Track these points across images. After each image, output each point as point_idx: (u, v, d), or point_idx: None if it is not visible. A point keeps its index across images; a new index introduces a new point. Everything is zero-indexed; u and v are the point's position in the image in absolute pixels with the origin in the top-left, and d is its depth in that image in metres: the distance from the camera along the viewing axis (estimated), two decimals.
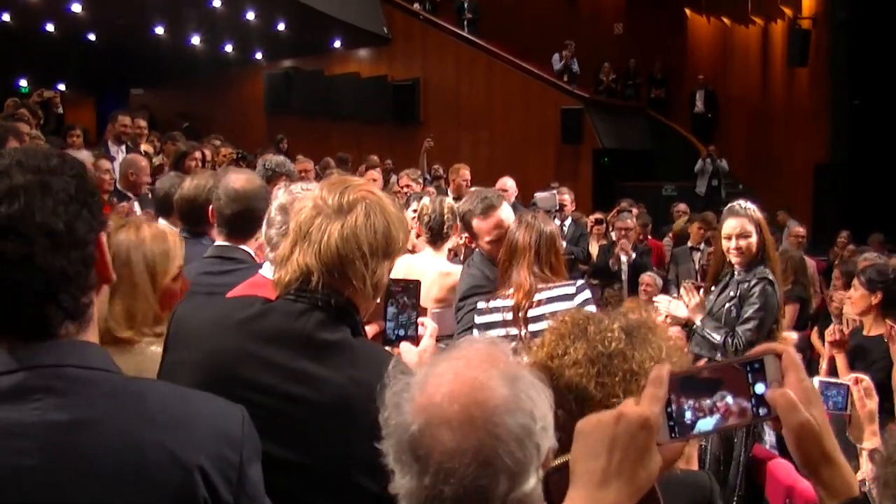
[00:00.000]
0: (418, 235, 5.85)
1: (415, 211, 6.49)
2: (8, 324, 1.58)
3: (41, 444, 1.50)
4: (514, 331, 4.17)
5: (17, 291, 1.55)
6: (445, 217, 5.47)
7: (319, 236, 2.19)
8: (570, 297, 4.17)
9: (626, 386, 1.92)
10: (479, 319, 4.39)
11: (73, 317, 1.60)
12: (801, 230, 11.58)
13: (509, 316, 4.22)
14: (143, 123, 11.10)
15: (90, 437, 1.53)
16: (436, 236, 5.53)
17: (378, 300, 2.43)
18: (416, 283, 2.65)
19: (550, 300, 4.16)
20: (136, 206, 6.98)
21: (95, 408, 1.54)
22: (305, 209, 2.27)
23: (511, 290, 4.26)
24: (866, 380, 3.43)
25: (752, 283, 5.09)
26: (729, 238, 5.19)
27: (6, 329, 1.58)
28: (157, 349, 3.37)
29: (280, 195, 3.12)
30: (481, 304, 4.41)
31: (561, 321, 2.11)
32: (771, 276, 5.06)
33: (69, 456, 1.51)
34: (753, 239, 5.14)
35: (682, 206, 13.40)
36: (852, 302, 5.90)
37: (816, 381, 3.57)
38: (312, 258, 2.19)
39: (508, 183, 8.98)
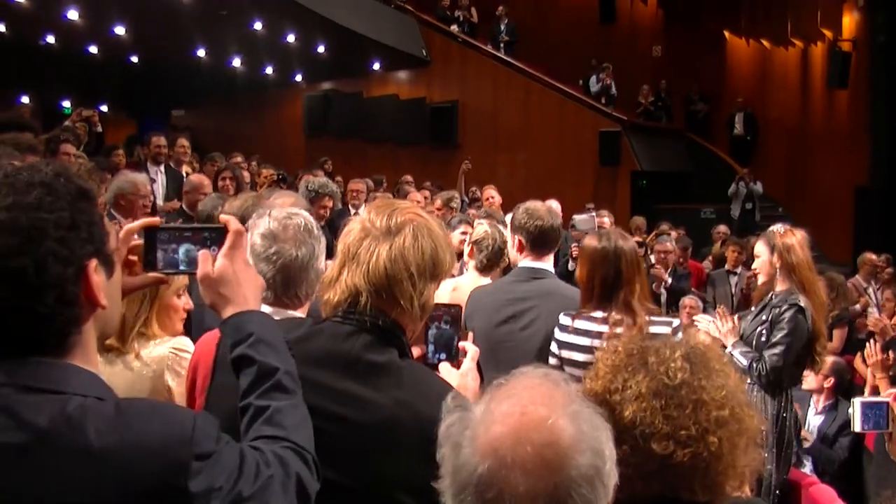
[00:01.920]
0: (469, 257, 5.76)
1: (463, 234, 6.48)
2: None
3: None
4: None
5: None
6: (506, 250, 5.31)
7: (368, 257, 2.21)
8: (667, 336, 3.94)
9: (696, 417, 1.88)
10: (560, 336, 4.27)
11: (51, 346, 1.64)
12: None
13: (598, 342, 3.97)
14: (185, 143, 11.07)
15: (29, 464, 1.55)
16: (491, 265, 5.46)
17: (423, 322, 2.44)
18: (458, 308, 2.64)
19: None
20: None
21: (35, 435, 1.56)
22: (354, 231, 2.29)
23: (604, 315, 4.10)
24: None
25: (783, 308, 5.05)
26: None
27: None
28: (140, 364, 3.43)
29: (262, 222, 3.06)
30: (565, 320, 4.26)
31: (613, 352, 2.06)
32: (802, 303, 4.98)
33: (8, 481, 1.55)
34: (764, 259, 5.18)
35: (723, 228, 13.35)
36: (894, 325, 5.86)
37: (857, 402, 3.53)
38: (361, 279, 2.21)
39: (554, 205, 8.98)
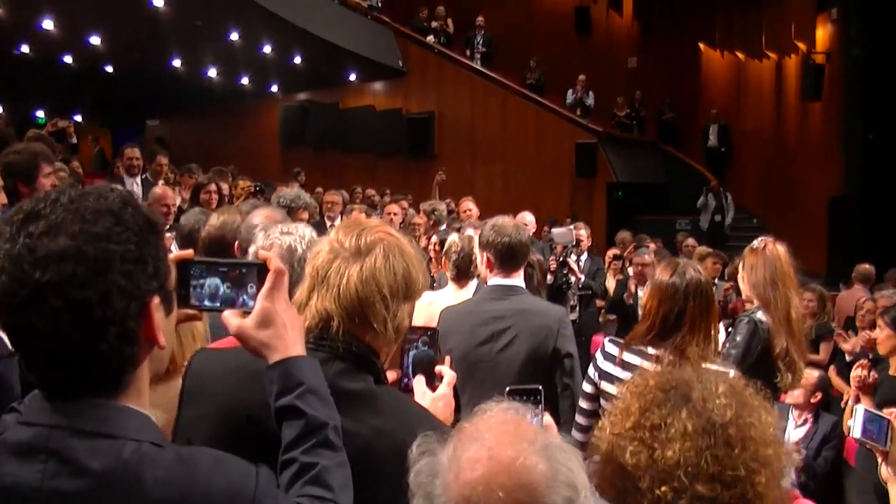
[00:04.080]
0: (444, 268, 5.75)
1: (438, 244, 6.47)
2: (41, 379, 1.59)
3: None
4: None
5: (46, 360, 1.55)
6: (474, 255, 5.28)
7: (338, 280, 2.13)
8: None
9: (744, 456, 1.79)
10: (604, 365, 4.03)
11: (106, 385, 1.60)
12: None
13: None
14: (164, 161, 10.91)
15: None
16: (461, 274, 5.46)
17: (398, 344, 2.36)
18: (435, 330, 2.58)
19: None
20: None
21: (90, 481, 1.52)
22: (322, 252, 2.20)
23: (657, 353, 3.84)
24: None
25: (740, 320, 4.97)
26: None
27: (41, 382, 1.59)
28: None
29: (258, 238, 3.02)
30: (612, 349, 4.03)
31: (644, 386, 1.96)
32: (757, 317, 4.86)
33: None
34: (740, 275, 5.12)
35: (691, 241, 13.22)
36: (878, 342, 5.83)
37: (860, 408, 3.49)
38: (331, 303, 2.12)
39: (528, 217, 9.01)
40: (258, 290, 1.94)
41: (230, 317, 1.95)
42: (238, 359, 2.14)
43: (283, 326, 1.91)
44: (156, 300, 1.62)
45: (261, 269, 1.96)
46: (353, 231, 2.20)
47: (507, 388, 2.43)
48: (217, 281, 1.96)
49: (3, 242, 1.52)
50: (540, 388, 2.49)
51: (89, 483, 1.51)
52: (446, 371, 2.53)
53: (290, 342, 1.91)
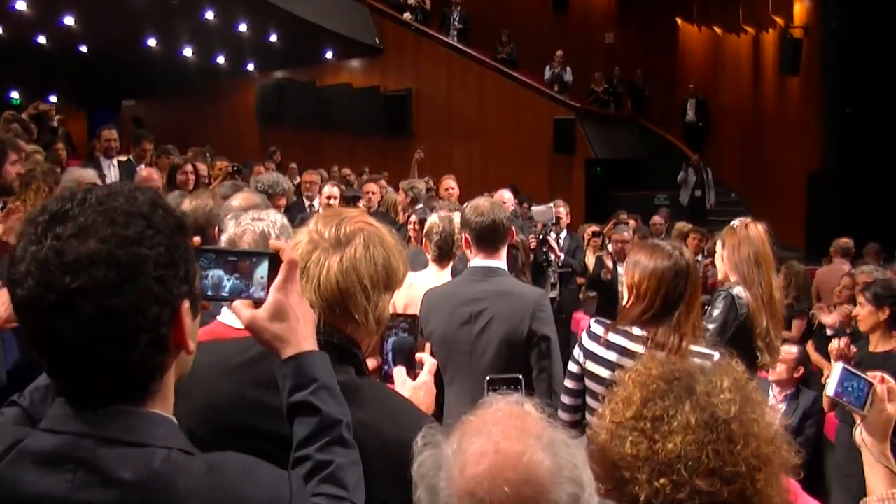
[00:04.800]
0: (425, 250, 5.72)
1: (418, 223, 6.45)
2: (66, 385, 1.54)
3: None
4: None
5: (74, 368, 1.49)
6: (455, 236, 5.28)
7: (318, 271, 2.12)
8: None
9: (746, 453, 1.78)
10: (589, 345, 3.95)
11: (134, 392, 1.55)
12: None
13: (626, 361, 3.66)
14: (149, 146, 10.72)
15: None
16: (443, 255, 5.44)
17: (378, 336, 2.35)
18: (415, 317, 2.57)
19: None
20: None
21: (121, 492, 1.47)
22: (301, 244, 2.18)
23: (643, 334, 3.79)
24: (892, 382, 3.33)
25: (717, 295, 4.98)
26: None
27: (65, 388, 1.54)
28: None
29: (229, 226, 2.98)
30: (597, 329, 3.94)
31: (647, 375, 1.95)
32: (734, 291, 4.87)
33: None
34: (718, 254, 5.12)
35: (657, 219, 13.04)
36: (859, 319, 5.86)
37: (839, 366, 3.42)
38: (312, 294, 2.11)
39: (506, 195, 8.99)
40: (269, 280, 1.90)
41: (241, 307, 1.92)
42: (216, 352, 2.14)
43: (296, 320, 1.89)
44: (186, 304, 1.58)
45: (272, 258, 1.91)
46: (333, 221, 2.19)
47: (488, 378, 2.42)
48: (220, 272, 1.89)
49: (29, 244, 1.46)
50: (520, 377, 2.48)
51: (120, 494, 1.46)
52: (426, 358, 2.53)
53: (303, 336, 1.89)
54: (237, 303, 1.92)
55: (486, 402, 1.56)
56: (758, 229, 5.00)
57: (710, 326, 4.78)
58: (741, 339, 4.77)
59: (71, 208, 1.48)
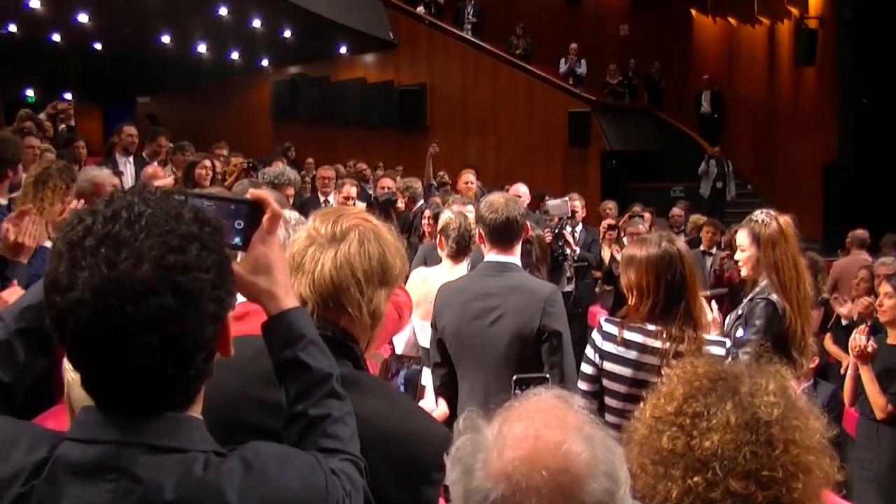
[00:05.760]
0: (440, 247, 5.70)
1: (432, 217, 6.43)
2: (106, 393, 1.51)
3: None
4: (647, 377, 3.57)
5: (126, 386, 1.47)
6: (473, 232, 5.26)
7: (313, 266, 2.13)
8: (722, 358, 3.59)
9: (785, 458, 1.76)
10: (604, 346, 3.92)
11: (181, 402, 1.54)
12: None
13: (653, 360, 3.72)
14: (165, 142, 10.62)
15: None
16: (460, 251, 5.43)
17: (377, 331, 2.32)
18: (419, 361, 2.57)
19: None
20: None
21: (167, 501, 1.44)
22: (299, 240, 2.21)
23: (657, 328, 3.76)
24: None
25: (755, 303, 4.77)
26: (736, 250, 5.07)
27: (103, 395, 1.51)
28: None
29: None
30: (611, 328, 3.92)
31: (692, 373, 1.94)
32: (773, 297, 4.69)
33: None
34: (749, 253, 4.85)
35: (677, 210, 13.09)
36: (881, 310, 5.77)
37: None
38: (307, 288, 2.12)
39: (521, 189, 8.98)
40: (249, 229, 1.87)
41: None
42: None
43: (280, 273, 1.89)
44: (230, 315, 1.58)
45: (253, 207, 1.88)
46: (330, 218, 2.21)
47: (515, 377, 2.41)
48: None
49: (76, 269, 1.41)
50: (547, 376, 2.48)
51: (166, 502, 1.44)
52: (441, 404, 2.50)
53: (286, 290, 1.89)
54: None
55: (531, 392, 1.54)
56: (789, 225, 4.83)
57: (753, 338, 4.65)
58: (780, 347, 4.65)
59: (119, 231, 1.43)
